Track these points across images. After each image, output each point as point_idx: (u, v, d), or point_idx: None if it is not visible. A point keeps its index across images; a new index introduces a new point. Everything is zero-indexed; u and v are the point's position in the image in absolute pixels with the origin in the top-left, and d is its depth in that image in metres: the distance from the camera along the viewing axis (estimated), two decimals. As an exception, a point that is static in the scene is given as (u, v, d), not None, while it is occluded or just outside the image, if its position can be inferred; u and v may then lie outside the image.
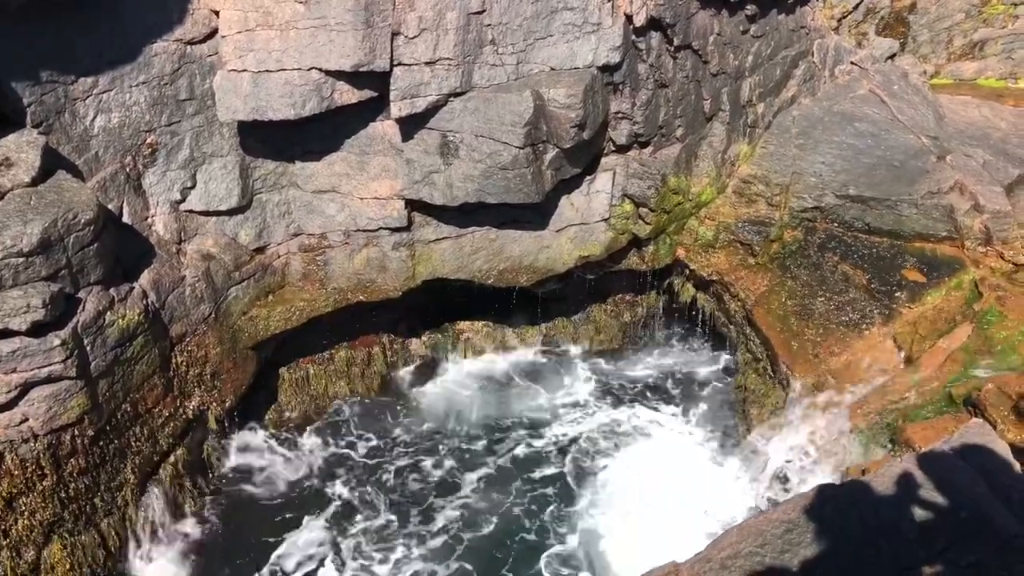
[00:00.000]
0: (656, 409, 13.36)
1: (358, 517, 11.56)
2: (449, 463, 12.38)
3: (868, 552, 5.06)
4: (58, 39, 9.15)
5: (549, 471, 12.18)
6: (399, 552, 11.04)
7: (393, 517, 11.50)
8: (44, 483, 9.14)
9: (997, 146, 14.13)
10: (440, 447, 12.66)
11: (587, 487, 11.86)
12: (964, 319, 11.24)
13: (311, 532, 11.38)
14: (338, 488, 12.01)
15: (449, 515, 11.43)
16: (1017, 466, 5.66)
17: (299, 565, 10.99)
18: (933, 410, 10.29)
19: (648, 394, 13.74)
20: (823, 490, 5.61)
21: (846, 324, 11.80)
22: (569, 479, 12.02)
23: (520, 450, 12.58)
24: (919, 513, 5.24)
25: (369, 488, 12.03)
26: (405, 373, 14.06)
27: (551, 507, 11.54)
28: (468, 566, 10.83)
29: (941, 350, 11.00)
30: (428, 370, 14.18)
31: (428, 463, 12.38)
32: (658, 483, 11.61)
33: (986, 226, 12.22)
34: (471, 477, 12.13)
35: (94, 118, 9.71)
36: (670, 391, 13.78)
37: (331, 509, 11.68)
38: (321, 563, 10.96)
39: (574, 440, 12.77)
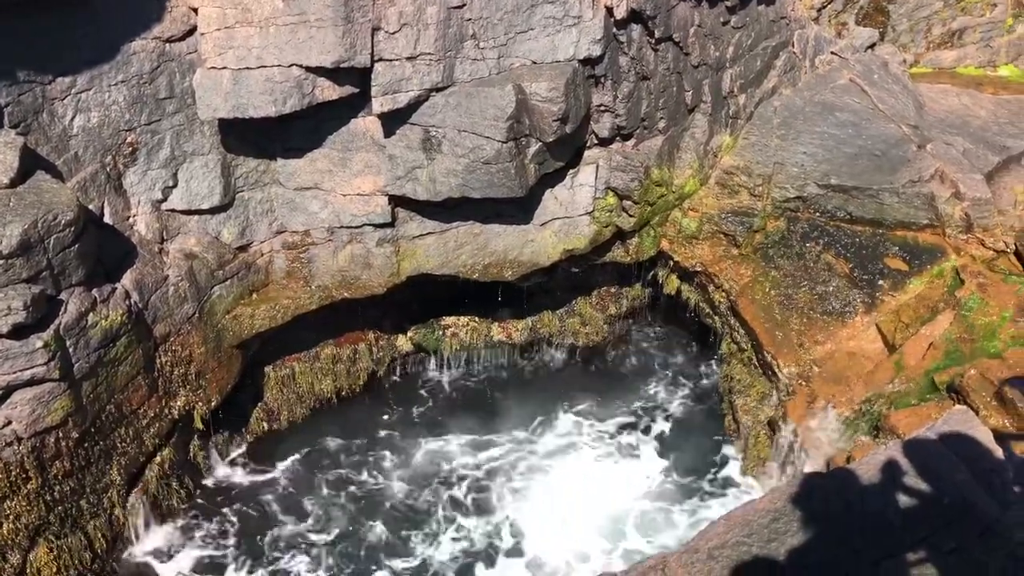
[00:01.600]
0: (636, 445, 12.95)
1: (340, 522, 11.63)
2: (397, 485, 12.25)
3: (854, 540, 5.09)
4: (36, 38, 9.05)
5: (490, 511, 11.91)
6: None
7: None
8: (29, 486, 9.08)
9: (977, 134, 14.24)
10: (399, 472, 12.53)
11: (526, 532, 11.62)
12: (946, 306, 11.34)
13: (293, 536, 11.41)
14: (315, 498, 12.05)
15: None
16: (999, 452, 5.70)
17: (289, 565, 11.00)
18: (916, 397, 10.39)
19: (622, 427, 13.27)
20: (808, 479, 5.64)
21: (830, 313, 11.88)
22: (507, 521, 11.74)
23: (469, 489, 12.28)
24: (903, 500, 5.28)
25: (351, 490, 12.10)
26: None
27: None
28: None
29: (924, 337, 11.10)
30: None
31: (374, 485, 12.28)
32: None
33: (967, 214, 12.32)
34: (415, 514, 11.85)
35: (73, 118, 9.62)
36: (646, 426, 13.30)
37: (309, 519, 11.71)
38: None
39: (517, 474, 12.45)
